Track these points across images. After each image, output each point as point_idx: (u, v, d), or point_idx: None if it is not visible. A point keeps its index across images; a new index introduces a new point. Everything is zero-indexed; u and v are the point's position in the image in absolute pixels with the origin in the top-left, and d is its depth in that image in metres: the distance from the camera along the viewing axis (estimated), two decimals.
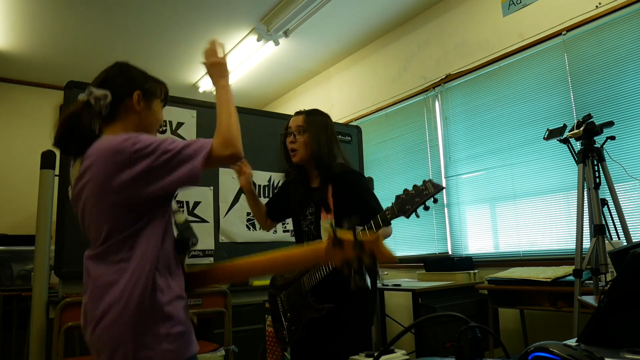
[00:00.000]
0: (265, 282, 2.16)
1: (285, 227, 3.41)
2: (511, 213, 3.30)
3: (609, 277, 2.18)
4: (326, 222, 1.91)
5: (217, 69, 1.39)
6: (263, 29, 4.16)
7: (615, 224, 2.30)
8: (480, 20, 3.64)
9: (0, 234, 4.25)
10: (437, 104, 3.96)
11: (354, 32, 4.45)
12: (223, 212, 3.18)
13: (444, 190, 3.81)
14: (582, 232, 2.32)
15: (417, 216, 1.45)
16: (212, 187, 3.16)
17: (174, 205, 1.39)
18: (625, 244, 2.24)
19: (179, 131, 3.05)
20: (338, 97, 5.10)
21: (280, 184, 2.46)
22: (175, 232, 1.35)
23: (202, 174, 1.19)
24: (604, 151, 2.33)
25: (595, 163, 2.30)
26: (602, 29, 2.89)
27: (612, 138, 2.28)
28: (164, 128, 2.99)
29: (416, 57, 4.18)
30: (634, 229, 2.59)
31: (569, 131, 2.37)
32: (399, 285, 3.27)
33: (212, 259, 3.06)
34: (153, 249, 1.20)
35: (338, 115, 4.98)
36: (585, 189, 2.33)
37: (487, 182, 3.50)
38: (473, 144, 3.62)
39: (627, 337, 0.83)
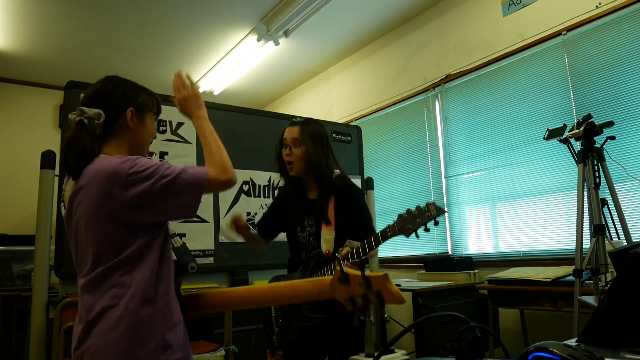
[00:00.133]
0: (266, 282, 2.16)
1: None
2: (511, 213, 3.30)
3: (609, 277, 2.18)
4: (327, 233, 1.90)
5: (191, 101, 1.38)
6: (263, 29, 4.16)
7: (615, 224, 2.30)
8: (480, 20, 3.64)
9: (0, 234, 4.25)
10: (437, 104, 3.96)
11: (354, 32, 4.45)
12: (223, 212, 3.18)
13: (444, 190, 3.82)
14: (582, 232, 2.32)
15: (417, 237, 1.48)
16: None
17: (171, 229, 1.37)
18: (625, 244, 2.24)
19: (179, 131, 3.05)
20: (338, 97, 5.10)
21: (277, 186, 2.46)
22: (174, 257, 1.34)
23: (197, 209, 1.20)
24: (604, 151, 2.33)
25: (595, 163, 2.30)
26: (602, 29, 2.89)
27: (612, 138, 2.28)
28: (164, 128, 2.99)
29: (416, 57, 4.18)
30: (634, 229, 2.59)
31: (569, 131, 2.37)
32: (399, 285, 3.27)
33: (212, 259, 3.06)
34: (150, 274, 1.17)
35: (338, 115, 4.98)
36: (585, 189, 2.33)
37: (487, 182, 3.50)
38: (473, 144, 3.62)
39: (627, 337, 0.83)
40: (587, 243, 2.35)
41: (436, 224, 1.46)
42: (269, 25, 4.10)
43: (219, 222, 3.15)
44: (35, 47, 4.44)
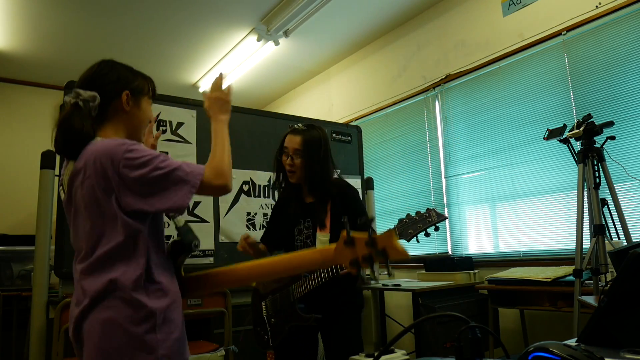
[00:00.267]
0: None
1: None
2: (511, 213, 3.30)
3: (609, 277, 2.18)
4: (322, 235, 1.94)
5: (220, 104, 1.39)
6: (263, 29, 4.16)
7: (615, 224, 2.30)
8: (480, 20, 3.64)
9: (0, 234, 4.25)
10: (437, 104, 3.96)
11: (354, 32, 4.45)
12: (223, 212, 3.18)
13: (444, 190, 3.82)
14: (582, 232, 2.32)
15: (418, 241, 1.49)
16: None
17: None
18: (625, 244, 2.24)
19: (179, 131, 3.05)
20: (338, 97, 5.10)
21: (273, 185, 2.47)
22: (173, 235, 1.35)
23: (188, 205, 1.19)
24: (604, 151, 2.32)
25: (595, 163, 2.30)
26: (602, 29, 2.89)
27: (612, 138, 2.28)
28: (164, 128, 2.99)
29: (416, 57, 4.18)
30: (634, 229, 2.59)
31: (569, 131, 2.36)
32: (399, 285, 3.27)
33: (212, 259, 3.06)
34: (146, 257, 1.19)
35: (338, 115, 4.98)
36: (585, 189, 2.33)
37: (487, 182, 3.50)
38: (473, 144, 3.62)
39: (627, 337, 0.83)
40: (587, 243, 2.35)
41: (436, 229, 1.48)
42: (269, 25, 4.10)
43: (219, 222, 3.15)
44: (35, 47, 4.44)
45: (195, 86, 5.41)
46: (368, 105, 4.64)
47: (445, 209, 3.76)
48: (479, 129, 3.57)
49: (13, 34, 4.18)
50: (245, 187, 3.31)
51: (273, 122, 3.46)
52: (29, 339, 2.45)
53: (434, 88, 3.96)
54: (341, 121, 4.69)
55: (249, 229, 3.25)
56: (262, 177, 3.38)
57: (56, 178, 2.56)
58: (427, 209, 1.51)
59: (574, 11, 3.01)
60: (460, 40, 3.78)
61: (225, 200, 3.20)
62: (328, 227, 1.94)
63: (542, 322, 3.03)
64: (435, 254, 3.82)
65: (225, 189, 1.25)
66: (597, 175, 2.30)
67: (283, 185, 2.08)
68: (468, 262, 3.38)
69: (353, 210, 1.92)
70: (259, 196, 3.35)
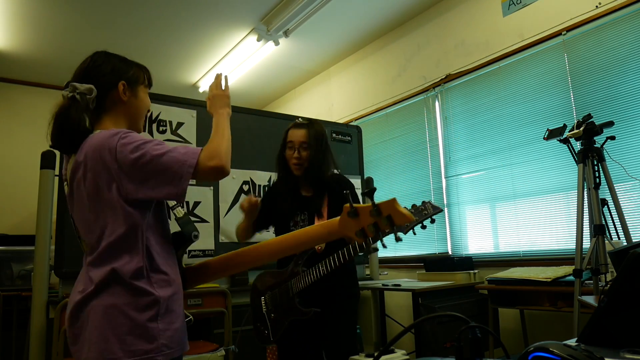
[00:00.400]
0: None
1: None
2: (511, 213, 3.30)
3: (609, 277, 2.18)
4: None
5: (221, 100, 1.40)
6: (263, 29, 4.16)
7: (615, 224, 2.30)
8: (480, 20, 3.64)
9: (0, 234, 4.25)
10: (437, 104, 3.96)
11: (354, 32, 4.45)
12: (223, 212, 3.18)
13: (444, 190, 3.82)
14: (582, 232, 2.32)
15: (414, 233, 1.49)
16: (212, 187, 3.16)
17: (171, 201, 1.38)
18: (625, 244, 2.24)
19: (179, 131, 3.05)
20: (338, 97, 5.10)
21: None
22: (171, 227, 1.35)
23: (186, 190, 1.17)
24: (604, 151, 2.32)
25: (595, 163, 2.30)
26: (602, 29, 2.89)
27: (612, 138, 2.28)
28: (164, 128, 3.00)
29: (416, 57, 4.18)
30: (634, 229, 2.59)
31: (569, 131, 2.36)
32: (399, 285, 3.27)
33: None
34: (149, 248, 1.19)
35: (338, 115, 4.98)
36: (585, 189, 2.33)
37: (487, 182, 3.50)
38: (473, 144, 3.62)
39: (627, 337, 0.83)
40: (587, 243, 2.35)
41: (432, 221, 1.48)
42: (269, 25, 4.10)
43: (219, 222, 3.15)
44: (35, 47, 4.44)
45: (195, 86, 5.41)
46: (368, 105, 4.64)
47: (446, 209, 3.76)
48: (479, 129, 3.57)
49: (13, 34, 4.18)
50: (245, 187, 3.31)
51: (273, 122, 3.46)
52: (29, 339, 2.45)
53: (434, 88, 3.96)
54: (341, 121, 4.69)
55: (257, 211, 3.25)
56: (262, 177, 3.38)
57: (56, 178, 2.56)
58: (423, 202, 1.52)
59: (574, 11, 3.01)
60: (460, 40, 3.78)
61: (225, 200, 3.20)
62: (325, 217, 1.97)
63: (542, 322, 3.03)
64: (435, 254, 3.82)
65: (221, 171, 1.20)
66: (597, 175, 2.30)
67: (280, 176, 2.09)
68: (468, 262, 3.38)
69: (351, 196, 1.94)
70: (259, 196, 3.34)
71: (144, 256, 1.18)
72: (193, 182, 1.99)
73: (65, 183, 1.30)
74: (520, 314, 3.06)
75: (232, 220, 3.19)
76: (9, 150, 4.99)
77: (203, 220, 3.08)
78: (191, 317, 1.35)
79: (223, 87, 1.43)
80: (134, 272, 1.16)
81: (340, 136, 3.86)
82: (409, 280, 3.60)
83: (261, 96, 5.92)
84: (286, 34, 4.20)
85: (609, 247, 2.17)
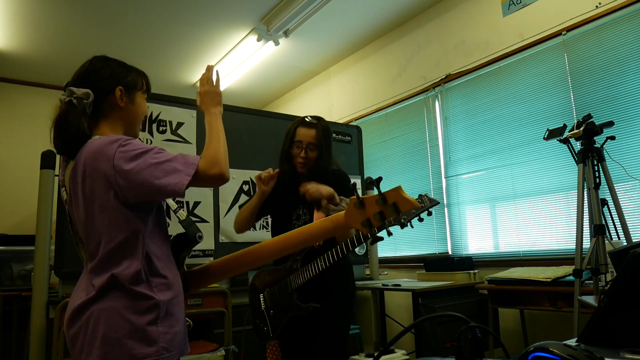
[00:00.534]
0: None
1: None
2: (511, 213, 3.30)
3: (609, 277, 2.18)
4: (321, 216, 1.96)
5: (211, 97, 1.38)
6: (263, 29, 4.16)
7: (615, 224, 2.30)
8: (480, 20, 3.64)
9: (0, 234, 4.25)
10: (437, 104, 3.96)
11: (354, 32, 4.45)
12: (223, 212, 3.18)
13: (444, 190, 3.82)
14: (582, 232, 2.32)
15: (412, 226, 1.50)
16: (212, 188, 3.16)
17: (173, 204, 1.38)
18: (625, 244, 2.24)
19: (179, 131, 3.05)
20: (338, 97, 5.10)
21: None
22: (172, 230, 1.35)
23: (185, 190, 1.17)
24: (604, 151, 2.33)
25: (595, 163, 2.30)
26: (602, 29, 2.89)
27: (612, 138, 2.28)
28: (164, 128, 3.00)
29: (416, 57, 4.18)
30: (634, 229, 2.59)
31: (569, 131, 2.36)
32: (399, 285, 3.27)
33: (212, 259, 3.06)
34: (149, 252, 1.19)
35: (338, 115, 4.98)
36: (585, 189, 2.33)
37: (487, 182, 3.50)
38: (473, 144, 3.62)
39: (627, 337, 0.83)
40: (587, 243, 2.35)
41: (429, 214, 1.48)
42: (269, 25, 4.10)
43: (219, 222, 3.15)
44: (35, 47, 4.44)
45: (195, 86, 5.41)
46: (368, 105, 4.64)
47: (446, 209, 3.76)
48: (479, 129, 3.57)
49: (13, 34, 4.18)
50: (245, 187, 3.31)
51: (273, 122, 3.46)
52: (29, 339, 2.45)
53: (434, 88, 3.96)
54: (341, 121, 4.69)
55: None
56: None
57: (56, 178, 2.56)
58: (420, 195, 1.52)
59: (574, 11, 3.01)
60: (460, 40, 3.78)
61: (225, 200, 3.20)
62: None
63: (542, 322, 3.03)
64: (435, 254, 3.82)
65: (222, 178, 1.21)
66: (597, 175, 2.30)
67: (283, 170, 2.09)
68: (468, 262, 3.38)
69: (349, 190, 1.94)
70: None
71: (143, 261, 1.18)
72: None
73: (64, 189, 1.30)
74: (520, 314, 3.06)
75: (232, 221, 3.19)
76: (8, 150, 4.99)
77: (203, 221, 3.08)
78: (190, 322, 1.35)
79: (214, 82, 1.41)
80: (133, 276, 1.15)
81: (340, 136, 3.86)
82: (409, 280, 3.60)
83: (261, 96, 5.92)
84: (286, 34, 4.20)
85: (609, 247, 2.17)
